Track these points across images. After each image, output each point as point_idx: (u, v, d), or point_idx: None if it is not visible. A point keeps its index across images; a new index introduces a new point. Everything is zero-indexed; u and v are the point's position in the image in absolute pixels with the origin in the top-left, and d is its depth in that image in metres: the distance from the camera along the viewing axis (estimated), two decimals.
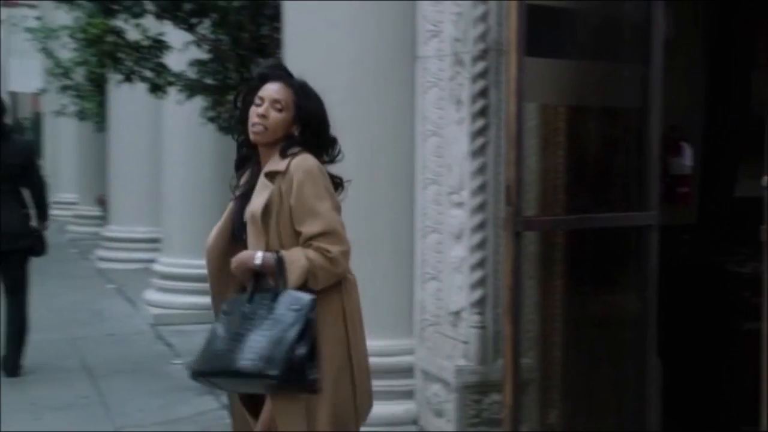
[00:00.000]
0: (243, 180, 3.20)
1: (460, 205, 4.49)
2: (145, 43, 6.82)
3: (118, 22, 6.82)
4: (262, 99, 3.12)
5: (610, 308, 4.57)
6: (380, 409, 4.77)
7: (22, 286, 6.64)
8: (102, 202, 13.25)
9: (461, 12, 4.50)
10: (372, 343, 4.81)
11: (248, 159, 3.21)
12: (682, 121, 5.40)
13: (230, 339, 2.96)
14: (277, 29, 5.93)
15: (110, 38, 6.83)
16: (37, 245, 6.68)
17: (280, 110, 3.10)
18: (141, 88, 7.07)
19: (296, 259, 2.96)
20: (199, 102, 6.93)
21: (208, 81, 6.77)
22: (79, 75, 12.13)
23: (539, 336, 4.54)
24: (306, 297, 2.95)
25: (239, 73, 6.71)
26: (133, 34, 6.89)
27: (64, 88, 12.64)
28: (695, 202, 5.53)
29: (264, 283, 3.02)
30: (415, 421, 4.77)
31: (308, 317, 2.95)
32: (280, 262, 2.95)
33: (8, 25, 13.25)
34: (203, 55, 6.80)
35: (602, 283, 4.57)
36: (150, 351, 7.25)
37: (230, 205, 3.21)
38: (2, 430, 4.76)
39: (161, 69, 6.81)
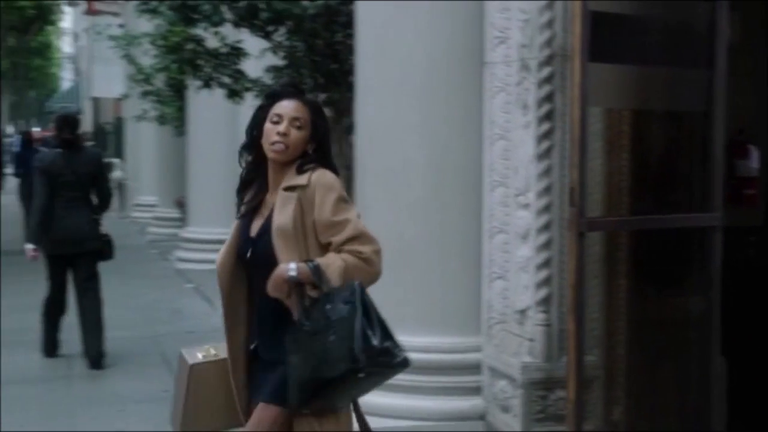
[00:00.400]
0: (247, 199, 3.18)
1: (526, 206, 4.62)
2: (224, 50, 7.08)
3: (198, 31, 7.08)
4: (280, 117, 3.08)
5: (673, 308, 4.64)
6: (448, 404, 4.97)
7: (93, 285, 7.05)
8: (181, 204, 13.59)
9: (528, 19, 4.63)
10: (441, 340, 5.01)
11: (252, 181, 3.18)
12: (749, 123, 5.45)
13: (309, 360, 2.91)
14: (350, 36, 6.12)
15: (190, 46, 7.11)
16: (105, 249, 7.08)
17: (299, 128, 3.07)
18: (219, 93, 7.33)
19: (332, 261, 2.97)
20: None
21: None
22: (159, 81, 12.46)
23: (603, 334, 4.64)
24: (353, 283, 2.92)
25: (313, 78, 6.92)
26: (212, 42, 7.14)
27: (145, 94, 12.97)
28: (762, 204, 5.56)
29: (305, 297, 2.98)
30: (482, 417, 4.90)
31: (364, 300, 2.93)
32: (317, 268, 2.94)
33: (93, 33, 13.65)
34: (279, 62, 7.02)
35: (666, 283, 4.66)
36: None
37: (235, 224, 3.19)
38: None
39: (239, 75, 7.06)
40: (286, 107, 3.09)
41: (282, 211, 3.02)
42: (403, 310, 5.04)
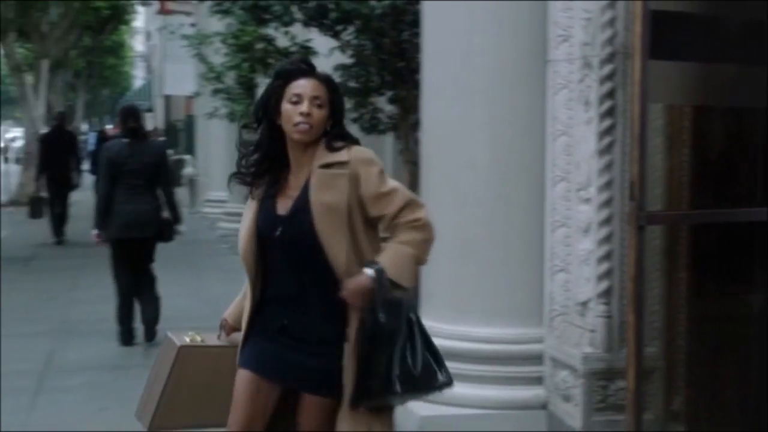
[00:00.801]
0: (266, 179, 3.13)
1: (587, 200, 4.72)
2: (293, 49, 7.28)
3: (269, 30, 7.30)
4: (299, 96, 3.02)
5: (734, 303, 4.72)
6: (511, 393, 5.09)
7: (149, 267, 7.58)
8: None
9: (590, 17, 4.73)
10: (504, 332, 5.15)
11: (268, 161, 3.13)
12: None
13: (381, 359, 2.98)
14: (417, 34, 6.27)
15: (261, 45, 7.34)
16: (165, 232, 7.54)
17: (320, 106, 3.02)
18: None
19: (398, 252, 2.97)
20: None
21: (351, 84, 7.16)
22: (230, 79, 12.74)
23: (664, 326, 4.73)
24: (401, 300, 2.97)
25: (380, 76, 7.09)
26: (282, 41, 7.35)
27: (216, 92, 13.24)
28: None
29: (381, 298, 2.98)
30: (544, 406, 5.01)
31: (410, 319, 3.00)
32: (380, 273, 2.93)
33: (166, 33, 13.99)
34: (347, 60, 7.20)
35: (727, 277, 4.73)
36: None
37: (251, 206, 3.14)
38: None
39: None
40: (305, 86, 3.02)
41: (326, 189, 2.98)
42: (468, 302, 5.19)
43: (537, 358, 5.06)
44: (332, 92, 3.08)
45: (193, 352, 3.24)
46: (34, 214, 14.78)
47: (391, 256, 2.99)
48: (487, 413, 5.02)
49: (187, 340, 3.26)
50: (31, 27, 22.25)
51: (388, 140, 8.16)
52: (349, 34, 7.09)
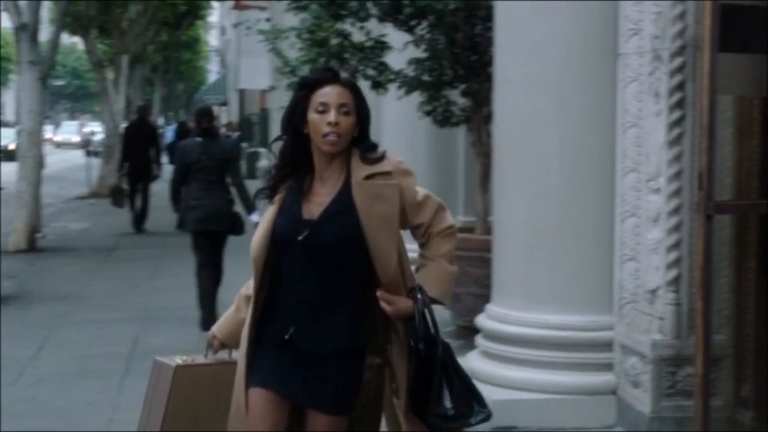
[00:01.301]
0: (282, 188, 3.06)
1: (657, 191, 4.82)
2: (369, 44, 7.46)
3: (345, 26, 7.48)
4: (326, 105, 2.97)
5: None
6: (581, 379, 5.22)
7: (218, 259, 7.94)
8: None
9: (660, 11, 4.83)
10: (575, 319, 5.28)
11: (291, 168, 3.06)
12: None
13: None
14: (489, 29, 6.41)
15: (337, 40, 7.52)
16: (236, 226, 7.93)
17: (347, 114, 2.97)
18: (363, 85, 7.71)
19: (442, 271, 3.10)
20: (416, 97, 7.47)
21: (425, 78, 7.32)
22: (304, 73, 12.98)
23: (733, 314, 4.81)
24: (439, 339, 3.03)
25: (453, 69, 7.23)
26: (357, 36, 7.53)
27: (291, 86, 13.49)
28: None
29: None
30: (613, 391, 5.13)
31: (444, 359, 3.03)
32: (425, 304, 3.02)
33: (243, 28, 14.30)
34: (421, 54, 7.35)
35: None
36: None
37: (269, 210, 3.07)
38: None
39: (383, 67, 7.43)
40: (330, 94, 2.98)
41: (378, 200, 2.96)
42: (539, 291, 5.33)
43: (607, 345, 5.17)
44: (358, 98, 3.02)
45: (188, 371, 3.16)
46: (117, 203, 15.34)
47: (436, 277, 3.09)
48: (557, 398, 5.16)
49: (179, 361, 3.18)
50: (111, 24, 22.81)
51: (461, 133, 8.31)
52: (423, 28, 7.25)
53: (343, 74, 3.11)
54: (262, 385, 3.01)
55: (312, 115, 2.97)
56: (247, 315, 3.07)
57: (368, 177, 2.98)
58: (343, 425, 3.02)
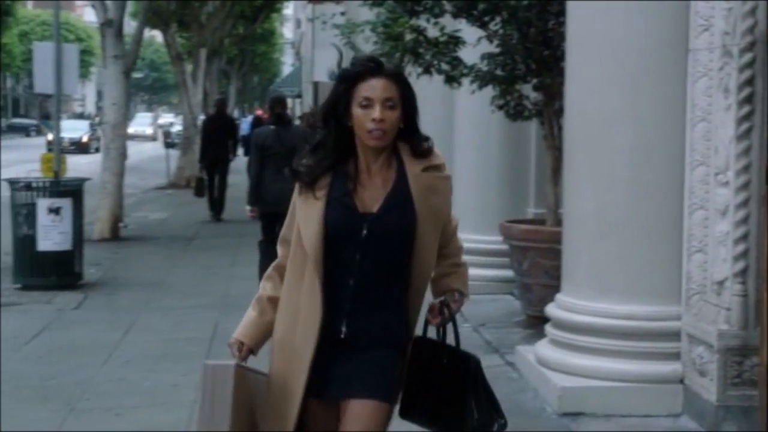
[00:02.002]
0: (323, 181, 2.93)
1: (725, 184, 4.92)
2: (443, 39, 7.62)
3: (420, 21, 7.65)
4: (369, 100, 2.86)
5: None
6: (649, 367, 5.35)
7: None
8: None
9: (731, 8, 4.92)
10: (643, 309, 5.40)
11: (334, 158, 2.94)
12: None
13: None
14: (562, 24, 6.53)
15: (411, 35, 7.69)
16: None
17: (392, 107, 2.87)
18: (436, 79, 7.88)
19: (466, 275, 3.11)
20: (489, 91, 7.61)
21: (498, 72, 7.46)
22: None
23: None
24: (470, 356, 3.07)
25: (526, 64, 7.36)
26: (431, 31, 7.70)
27: None
28: None
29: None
30: (680, 380, 5.24)
31: (475, 375, 3.06)
32: (451, 310, 3.02)
33: (319, 22, 14.56)
34: (494, 49, 7.49)
35: None
36: None
37: (313, 205, 2.92)
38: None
39: (456, 62, 7.59)
40: (375, 88, 2.86)
41: (433, 193, 2.93)
42: (609, 281, 5.46)
43: (674, 335, 5.29)
44: (404, 88, 2.91)
45: (243, 372, 2.95)
46: (198, 193, 15.86)
47: (465, 282, 3.11)
48: (625, 386, 5.29)
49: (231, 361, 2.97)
50: (190, 18, 23.30)
51: (533, 126, 8.43)
52: (496, 24, 7.38)
53: (387, 64, 2.99)
54: (316, 395, 2.91)
55: (356, 110, 2.86)
56: (301, 318, 2.90)
57: (424, 169, 2.93)
58: (390, 415, 2.94)
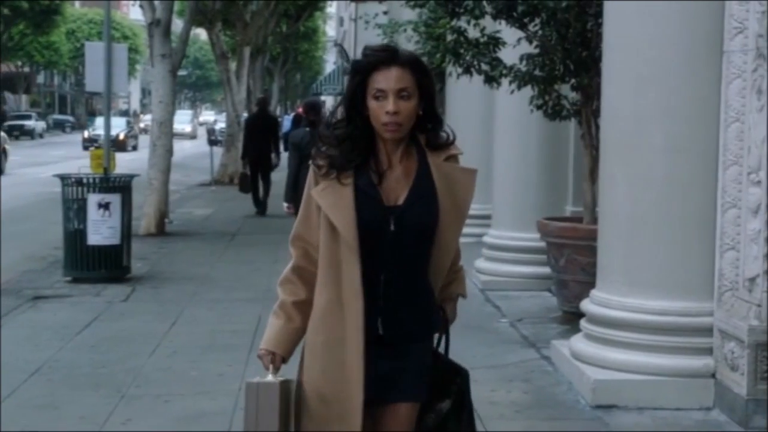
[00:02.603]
0: (348, 171, 2.83)
1: (758, 183, 5.04)
2: (483, 40, 7.78)
3: (460, 23, 7.82)
4: (383, 92, 2.75)
5: None
6: (681, 362, 5.47)
7: None
8: None
9: (765, 11, 5.03)
10: (676, 305, 5.52)
11: (356, 151, 2.84)
12: None
13: None
14: (600, 25, 6.66)
15: (452, 36, 7.86)
16: None
17: (407, 98, 2.76)
18: (476, 79, 8.04)
19: (462, 278, 3.07)
20: (528, 91, 7.75)
21: (537, 72, 7.60)
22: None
23: None
24: (462, 370, 3.07)
25: (564, 65, 7.50)
26: (472, 33, 7.86)
27: None
28: None
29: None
30: (712, 374, 5.36)
31: (462, 390, 3.04)
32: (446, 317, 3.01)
33: (361, 22, 14.78)
34: (533, 50, 7.64)
35: None
36: (480, 311, 8.22)
37: (341, 194, 2.82)
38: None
39: (496, 63, 7.75)
40: (388, 79, 2.75)
41: (454, 183, 2.86)
42: (642, 277, 5.59)
43: (707, 330, 5.41)
44: (420, 75, 2.78)
45: (287, 387, 2.88)
46: (243, 188, 16.22)
47: (464, 284, 3.10)
48: (657, 380, 5.42)
49: (271, 377, 2.88)
50: (235, 16, 23.62)
51: (572, 126, 8.55)
52: (535, 25, 7.53)
53: (403, 50, 2.84)
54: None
55: (371, 102, 2.77)
56: (347, 316, 2.81)
57: (446, 159, 2.87)
58: (415, 413, 2.90)
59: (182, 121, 56.82)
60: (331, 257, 2.82)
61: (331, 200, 2.81)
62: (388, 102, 2.74)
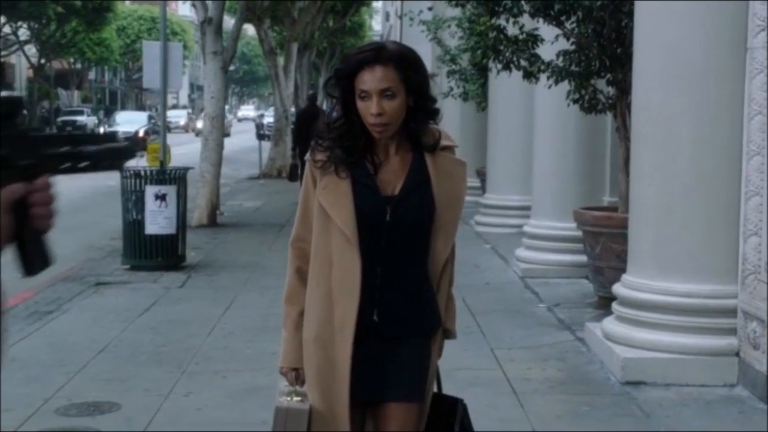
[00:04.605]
0: (346, 167, 2.80)
1: None
2: (522, 37, 8.11)
3: (500, 21, 8.17)
4: (367, 93, 2.73)
5: None
6: (706, 341, 5.80)
7: None
8: (481, 173, 14.79)
9: None
10: (702, 287, 5.84)
11: (353, 141, 2.81)
12: None
13: None
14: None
15: (493, 34, 8.21)
16: None
17: (391, 96, 2.73)
18: (516, 74, 8.38)
19: (454, 307, 3.00)
20: (565, 86, 8.07)
21: (574, 68, 7.91)
22: (464, 61, 13.68)
23: None
24: (459, 402, 3.03)
25: (600, 60, 7.81)
26: (511, 30, 8.20)
27: (451, 73, 14.23)
28: None
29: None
30: (736, 353, 5.68)
31: (463, 421, 3.02)
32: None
33: (406, 19, 15.14)
34: (569, 47, 7.95)
35: None
36: (519, 297, 8.58)
37: (339, 186, 2.79)
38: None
39: (534, 59, 8.08)
40: (371, 81, 2.72)
41: (446, 175, 2.85)
42: (671, 261, 5.92)
43: (731, 312, 5.72)
44: (405, 69, 2.74)
45: (314, 410, 2.85)
46: (292, 178, 16.78)
47: (454, 318, 3.00)
48: (684, 358, 5.75)
49: (296, 399, 2.86)
50: (283, 12, 24.07)
51: (608, 119, 8.86)
52: (572, 23, 7.84)
53: (390, 45, 2.82)
54: (351, 396, 2.80)
55: (357, 102, 2.75)
56: (337, 309, 2.79)
57: (443, 148, 2.86)
58: (426, 412, 2.87)
59: (177, 116, 54.81)
60: (325, 253, 2.81)
61: (331, 199, 2.80)
62: (372, 103, 2.73)
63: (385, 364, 2.79)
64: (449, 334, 2.97)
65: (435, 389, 2.96)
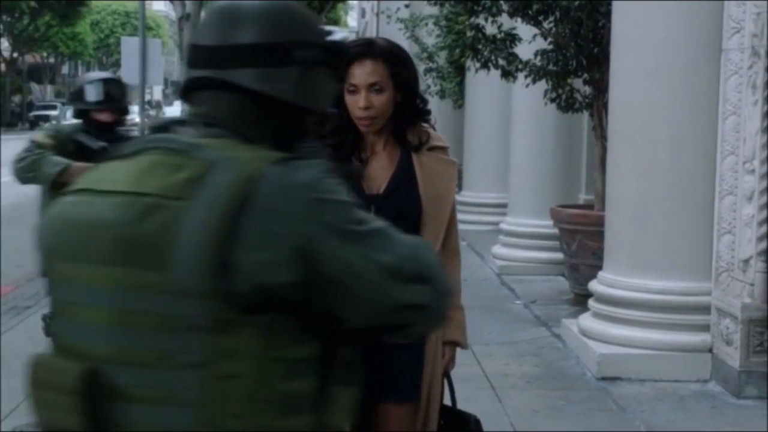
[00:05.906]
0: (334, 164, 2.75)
1: (752, 172, 5.45)
2: (500, 36, 8.19)
3: (478, 20, 8.24)
4: (355, 87, 2.74)
5: None
6: (680, 338, 5.89)
7: None
8: (458, 171, 14.85)
9: (760, 12, 5.44)
10: (676, 285, 5.93)
11: (341, 140, 2.80)
12: None
13: None
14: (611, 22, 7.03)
15: (471, 33, 8.28)
16: None
17: (379, 91, 2.75)
18: (494, 73, 8.46)
19: (463, 319, 2.96)
20: (542, 85, 8.16)
21: (551, 67, 8.00)
22: (441, 59, 13.73)
23: None
24: (473, 417, 3.01)
25: (577, 60, 7.91)
26: (489, 29, 8.27)
27: (428, 71, 14.27)
28: None
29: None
30: (709, 349, 5.78)
31: None
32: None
33: (384, 16, 15.20)
34: (547, 46, 8.04)
35: None
36: (496, 293, 8.67)
37: None
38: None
39: (512, 58, 8.16)
40: (359, 75, 2.74)
41: (436, 176, 2.83)
42: (646, 259, 6.01)
43: (705, 309, 5.83)
44: (394, 65, 2.77)
45: None
46: None
47: (464, 330, 2.98)
48: (658, 354, 5.84)
49: None
50: None
51: (584, 118, 8.96)
52: (549, 22, 7.92)
53: (380, 41, 2.84)
54: None
55: (346, 96, 2.76)
56: None
57: (429, 149, 2.85)
58: (418, 414, 2.83)
59: (171, 113, 55.18)
60: None
61: None
62: (360, 97, 2.75)
63: (378, 364, 2.65)
64: (458, 344, 2.90)
65: (449, 402, 2.92)
